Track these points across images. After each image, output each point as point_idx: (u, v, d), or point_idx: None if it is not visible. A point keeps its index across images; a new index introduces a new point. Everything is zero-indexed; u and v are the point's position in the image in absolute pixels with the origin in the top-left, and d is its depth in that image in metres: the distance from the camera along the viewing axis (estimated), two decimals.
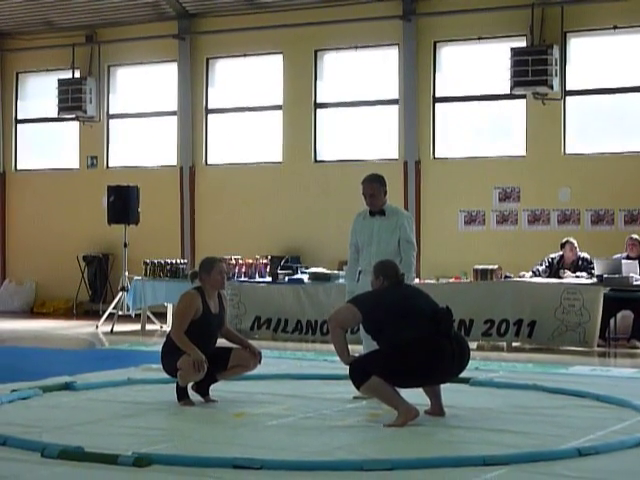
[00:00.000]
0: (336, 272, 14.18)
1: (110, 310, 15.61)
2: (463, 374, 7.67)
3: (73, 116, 18.52)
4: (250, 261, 14.86)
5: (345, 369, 7.46)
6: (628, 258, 13.32)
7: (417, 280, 11.42)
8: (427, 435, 6.83)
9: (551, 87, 14.92)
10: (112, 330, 14.95)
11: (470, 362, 7.54)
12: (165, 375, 8.29)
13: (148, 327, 15.27)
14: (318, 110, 17.07)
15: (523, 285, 13.06)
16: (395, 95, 16.48)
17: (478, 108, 16.17)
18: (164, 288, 15.00)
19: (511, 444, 6.39)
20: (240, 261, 14.74)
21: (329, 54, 17.08)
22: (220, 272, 8.18)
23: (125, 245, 15.84)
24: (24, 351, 12.70)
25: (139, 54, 18.33)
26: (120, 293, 15.67)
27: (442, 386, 7.53)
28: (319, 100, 17.08)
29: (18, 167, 19.72)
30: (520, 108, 15.67)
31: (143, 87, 18.57)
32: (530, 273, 13.71)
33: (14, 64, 19.53)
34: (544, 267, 13.73)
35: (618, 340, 13.28)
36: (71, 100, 18.20)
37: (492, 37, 15.86)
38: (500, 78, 15.36)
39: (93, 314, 17.29)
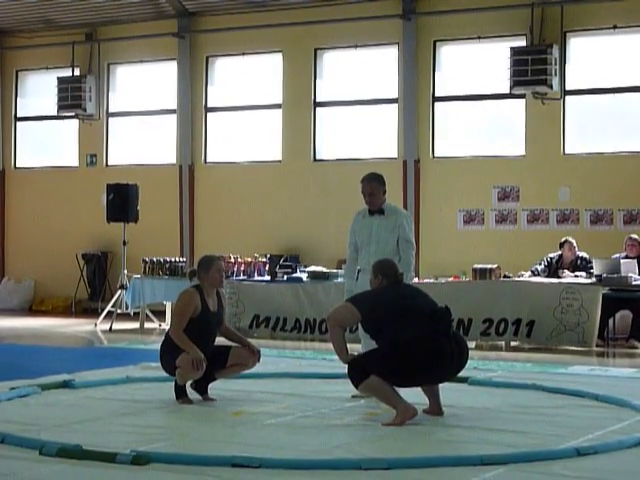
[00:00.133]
0: (335, 271, 14.18)
1: (109, 308, 15.62)
2: (462, 373, 7.67)
3: (73, 114, 18.51)
4: (249, 259, 14.87)
5: (344, 368, 7.45)
6: (627, 258, 13.32)
7: (416, 279, 11.40)
8: (425, 434, 6.82)
9: (551, 87, 14.93)
10: (111, 328, 14.95)
11: (469, 361, 7.54)
12: (164, 373, 8.28)
13: (147, 325, 15.29)
14: (317, 109, 17.07)
15: (522, 285, 13.04)
16: (395, 94, 16.48)
17: (478, 107, 16.17)
18: (163, 286, 15.02)
19: (509, 443, 6.38)
20: (239, 259, 14.74)
21: (329, 53, 17.08)
22: (218, 270, 8.18)
23: (124, 243, 15.84)
24: (23, 349, 12.71)
25: (139, 52, 18.31)
26: (119, 291, 15.67)
27: (440, 385, 7.52)
28: (319, 99, 17.07)
29: (17, 165, 19.71)
30: (520, 108, 15.68)
31: (143, 85, 18.57)
32: (529, 273, 13.70)
33: (14, 62, 19.51)
34: (543, 267, 13.72)
35: (617, 340, 13.26)
36: (71, 98, 18.20)
37: (492, 36, 15.86)
38: (500, 78, 15.35)
39: (92, 312, 17.27)
